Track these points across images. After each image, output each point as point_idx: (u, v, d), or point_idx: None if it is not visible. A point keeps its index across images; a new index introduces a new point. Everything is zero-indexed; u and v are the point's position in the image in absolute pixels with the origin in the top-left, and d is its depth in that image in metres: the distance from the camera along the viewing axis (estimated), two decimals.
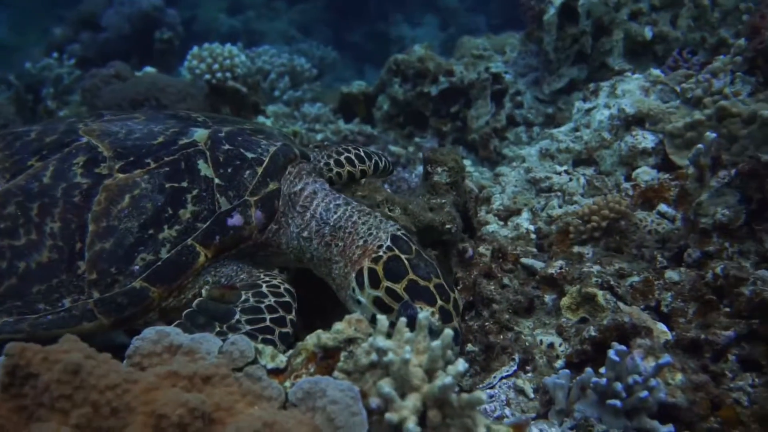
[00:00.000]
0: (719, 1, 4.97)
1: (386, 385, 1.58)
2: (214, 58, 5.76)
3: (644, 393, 2.03)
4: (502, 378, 2.49)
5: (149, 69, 6.02)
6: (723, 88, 3.46)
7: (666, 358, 2.10)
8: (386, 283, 2.30)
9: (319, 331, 1.87)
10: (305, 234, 2.54)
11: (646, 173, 3.38)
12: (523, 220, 3.42)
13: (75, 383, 1.54)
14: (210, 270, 2.42)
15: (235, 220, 2.42)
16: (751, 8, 4.80)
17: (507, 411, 2.39)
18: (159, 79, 5.39)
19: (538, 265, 2.87)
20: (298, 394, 1.67)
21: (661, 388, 2.07)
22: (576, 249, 2.89)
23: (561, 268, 2.75)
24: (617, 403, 2.03)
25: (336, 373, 1.78)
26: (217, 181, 2.44)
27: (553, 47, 4.70)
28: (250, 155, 2.54)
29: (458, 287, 2.89)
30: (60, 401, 1.53)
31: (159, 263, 2.31)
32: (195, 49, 5.79)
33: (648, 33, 4.61)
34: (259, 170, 2.51)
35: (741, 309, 2.37)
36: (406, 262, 2.32)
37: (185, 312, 2.22)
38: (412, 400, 1.61)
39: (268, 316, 2.23)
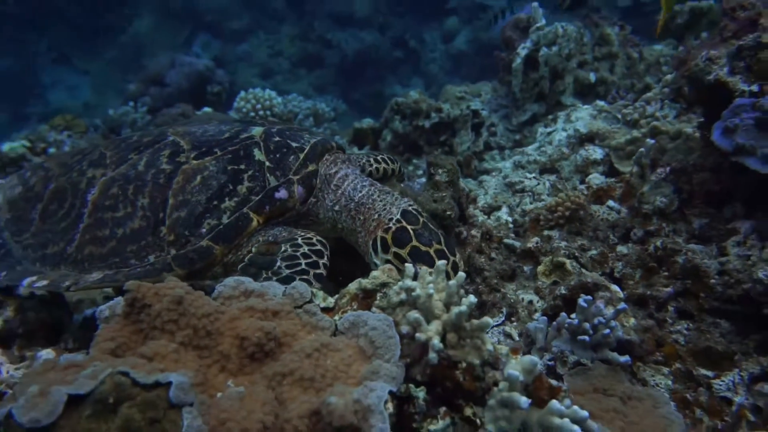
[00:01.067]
0: (645, 55, 5.06)
1: (415, 313, 1.61)
2: (257, 100, 5.83)
3: (606, 331, 2.06)
4: (493, 326, 2.52)
5: (207, 109, 6.07)
6: (654, 112, 3.52)
7: (622, 305, 2.14)
8: (393, 249, 2.32)
9: (360, 278, 1.89)
10: (336, 208, 2.56)
11: (596, 178, 3.43)
12: (503, 214, 3.45)
13: (179, 311, 1.57)
14: (261, 232, 2.44)
15: (281, 193, 2.45)
16: (668, 60, 4.90)
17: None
18: (215, 115, 5.43)
19: (517, 244, 2.91)
20: (345, 324, 1.69)
21: (618, 328, 2.10)
22: (546, 233, 2.92)
23: (537, 243, 2.79)
24: (586, 338, 2.06)
25: (373, 309, 1.80)
26: (267, 164, 2.49)
27: (519, 89, 4.76)
28: (294, 144, 2.58)
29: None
30: (168, 325, 1.56)
31: (221, 227, 2.35)
32: (242, 93, 5.87)
33: (592, 77, 4.68)
34: (301, 155, 2.55)
35: (676, 273, 2.41)
36: (411, 231, 2.33)
37: (240, 266, 2.26)
38: (435, 325, 1.63)
39: (303, 261, 2.25)
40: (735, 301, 2.20)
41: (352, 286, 1.90)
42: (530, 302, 2.58)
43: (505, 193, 3.73)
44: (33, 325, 2.55)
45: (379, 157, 3.02)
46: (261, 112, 5.74)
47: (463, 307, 1.64)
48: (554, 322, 2.21)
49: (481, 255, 2.83)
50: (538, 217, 3.06)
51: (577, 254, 2.66)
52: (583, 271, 2.54)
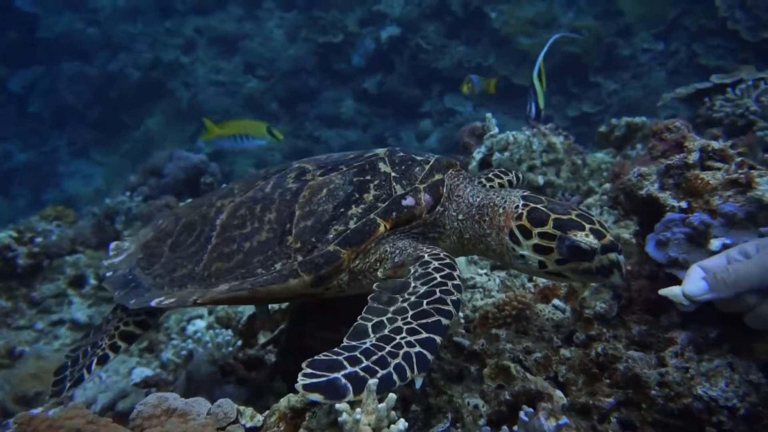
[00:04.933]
0: (588, 161, 5.02)
1: None
2: None
3: None
4: None
5: (189, 200, 5.90)
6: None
7: (564, 419, 1.86)
8: (536, 230, 1.98)
9: (290, 394, 1.62)
10: (461, 217, 2.25)
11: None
12: None
13: None
14: (389, 240, 2.15)
15: (409, 201, 2.18)
16: (608, 167, 4.85)
17: None
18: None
19: (465, 342, 2.64)
20: None
21: None
22: (494, 331, 2.67)
23: (483, 345, 2.52)
24: None
25: (301, 431, 1.51)
26: (393, 174, 2.25)
27: None
28: (419, 158, 2.36)
29: None
30: None
31: (348, 232, 2.10)
32: (225, 185, 5.77)
33: (540, 180, 4.58)
34: (426, 167, 2.30)
35: (618, 381, 2.16)
36: (542, 208, 2.02)
37: (370, 296, 1.91)
38: None
39: (437, 275, 1.90)
40: (677, 415, 1.93)
41: (282, 403, 1.61)
42: (476, 407, 2.28)
43: None
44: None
45: (491, 174, 2.72)
46: None
47: None
48: None
49: (441, 350, 2.55)
50: (486, 315, 2.81)
51: (521, 357, 2.39)
52: (528, 375, 2.27)
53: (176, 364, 3.71)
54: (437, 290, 1.84)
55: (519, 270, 2.22)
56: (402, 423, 1.40)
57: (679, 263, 2.00)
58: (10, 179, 14.32)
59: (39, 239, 4.37)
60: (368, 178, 2.26)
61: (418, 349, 1.62)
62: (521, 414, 1.85)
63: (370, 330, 1.73)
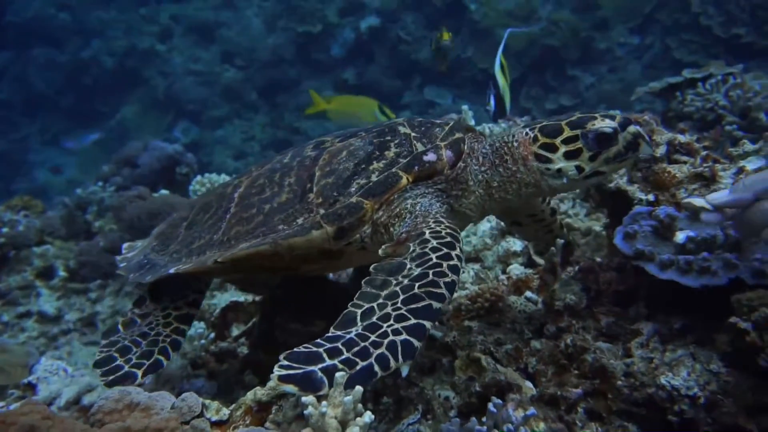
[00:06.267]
0: None
1: None
2: (212, 183, 5.62)
3: None
4: (409, 425, 2.21)
5: (163, 191, 5.79)
6: (567, 210, 3.41)
7: (531, 410, 1.89)
8: (558, 140, 2.04)
9: (257, 387, 1.60)
10: (484, 168, 2.24)
11: (516, 269, 3.25)
12: None
13: None
14: (411, 195, 2.14)
15: (430, 156, 2.17)
16: None
17: None
18: (169, 198, 5.17)
19: (438, 334, 2.65)
20: None
21: None
22: (466, 323, 2.68)
23: (454, 337, 2.53)
24: None
25: (268, 424, 1.50)
26: (413, 134, 2.26)
27: None
28: (438, 121, 2.37)
29: None
30: None
31: (370, 184, 2.12)
32: (198, 177, 5.69)
33: None
34: (446, 128, 2.30)
35: (586, 372, 2.18)
36: (550, 122, 2.09)
37: (364, 280, 1.86)
38: None
39: (433, 256, 1.84)
40: (641, 404, 1.96)
41: (249, 396, 1.60)
42: (447, 398, 2.29)
43: None
44: None
45: None
46: None
47: (356, 429, 1.36)
48: (465, 425, 1.93)
49: None
50: (460, 307, 2.82)
51: (492, 349, 2.41)
52: (498, 367, 2.28)
53: None
54: (431, 272, 1.79)
55: (561, 191, 2.21)
56: (368, 416, 1.39)
57: (646, 256, 2.03)
58: None
59: (5, 230, 4.25)
60: (388, 138, 2.27)
61: (404, 336, 1.59)
62: (490, 405, 1.87)
63: (358, 318, 1.70)
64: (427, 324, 1.65)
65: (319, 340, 1.58)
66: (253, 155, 13.99)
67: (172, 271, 2.24)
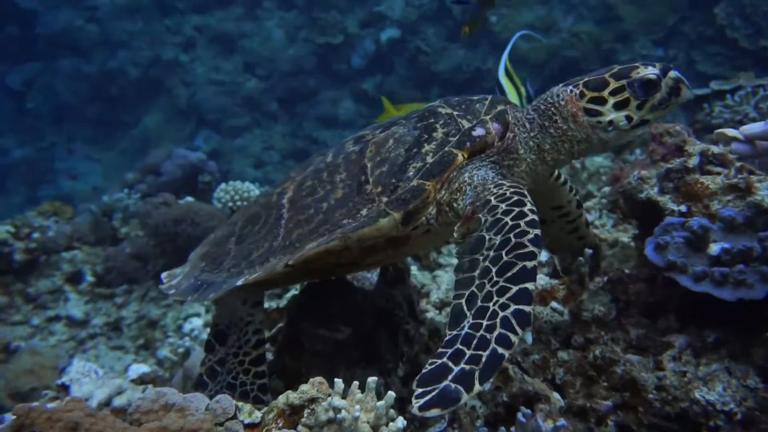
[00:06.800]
0: (587, 165, 5.03)
1: None
2: (235, 191, 5.68)
3: None
4: None
5: (188, 198, 5.86)
6: (594, 221, 3.38)
7: (561, 421, 1.86)
8: (605, 92, 2.05)
9: (289, 391, 1.61)
10: (533, 133, 2.22)
11: (541, 279, 3.22)
12: None
13: None
14: (468, 169, 2.13)
15: (479, 131, 2.16)
16: (607, 171, 4.86)
17: None
18: (194, 205, 5.23)
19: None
20: None
21: None
22: None
23: None
24: None
25: (300, 428, 1.51)
26: (455, 113, 2.25)
27: None
28: (475, 98, 2.34)
29: (403, 359, 2.63)
30: None
31: (427, 165, 2.10)
32: (223, 185, 5.74)
33: None
34: (486, 102, 2.28)
35: (615, 384, 2.16)
36: (593, 77, 2.11)
37: (455, 267, 1.85)
38: None
39: (507, 219, 1.82)
40: (673, 419, 1.93)
41: (281, 400, 1.61)
42: (473, 408, 2.28)
43: None
44: None
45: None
46: (239, 203, 5.56)
47: None
48: None
49: (428, 355, 2.55)
50: None
51: (519, 359, 2.40)
52: (525, 377, 2.27)
53: (173, 361, 3.70)
54: (511, 236, 1.76)
55: (612, 144, 2.19)
56: (401, 421, 1.40)
57: (678, 267, 2.01)
58: (7, 175, 14.27)
59: (36, 235, 4.35)
60: (432, 120, 2.26)
61: (513, 307, 1.57)
62: (519, 415, 1.85)
63: (464, 308, 1.67)
64: (530, 285, 1.63)
65: (440, 349, 1.57)
66: (272, 164, 14.13)
67: (239, 283, 2.21)
